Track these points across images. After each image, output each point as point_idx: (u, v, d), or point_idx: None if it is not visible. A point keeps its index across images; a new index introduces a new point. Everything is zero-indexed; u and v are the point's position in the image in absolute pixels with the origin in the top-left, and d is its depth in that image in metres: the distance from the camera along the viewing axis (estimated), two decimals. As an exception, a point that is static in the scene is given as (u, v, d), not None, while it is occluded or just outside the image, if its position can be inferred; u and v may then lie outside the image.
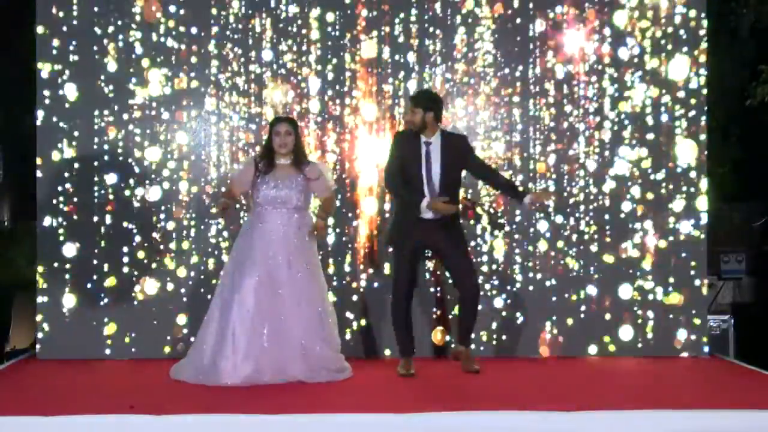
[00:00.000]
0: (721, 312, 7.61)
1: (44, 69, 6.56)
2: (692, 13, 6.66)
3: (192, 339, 6.17)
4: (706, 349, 6.71)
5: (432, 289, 6.67)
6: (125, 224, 6.59)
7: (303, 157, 5.92)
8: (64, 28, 6.57)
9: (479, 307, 6.03)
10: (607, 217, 6.71)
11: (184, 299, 6.59)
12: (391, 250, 6.19)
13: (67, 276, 6.56)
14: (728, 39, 8.12)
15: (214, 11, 6.62)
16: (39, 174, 6.59)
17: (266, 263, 5.70)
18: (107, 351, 6.55)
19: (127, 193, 6.60)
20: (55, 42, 6.56)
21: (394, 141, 6.09)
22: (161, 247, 6.60)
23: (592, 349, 6.68)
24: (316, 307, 5.78)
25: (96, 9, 6.58)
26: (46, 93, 6.57)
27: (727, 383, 5.83)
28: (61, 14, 6.56)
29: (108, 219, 6.59)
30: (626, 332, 6.69)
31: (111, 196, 6.59)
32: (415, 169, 5.90)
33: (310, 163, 5.97)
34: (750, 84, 7.59)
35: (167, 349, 6.55)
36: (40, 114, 6.58)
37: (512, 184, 6.16)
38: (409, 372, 5.91)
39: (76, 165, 6.58)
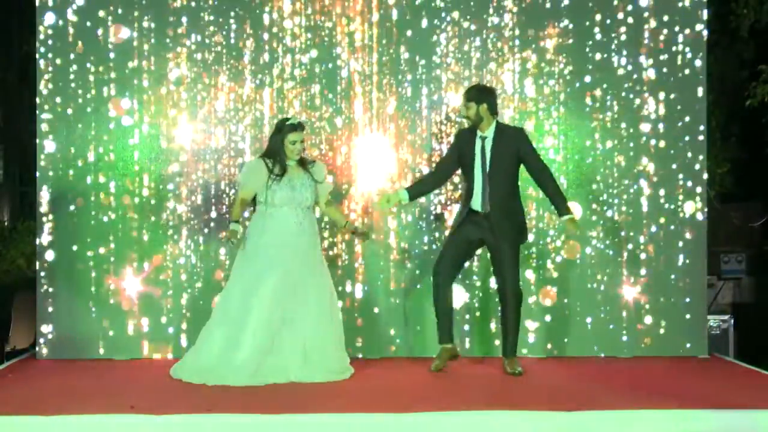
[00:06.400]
0: (721, 312, 7.61)
1: (44, 68, 6.56)
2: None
3: (183, 340, 6.20)
4: (706, 349, 6.72)
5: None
6: (126, 224, 6.59)
7: (307, 157, 6.00)
8: (65, 27, 6.56)
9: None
10: (606, 216, 6.71)
11: (184, 300, 6.61)
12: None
13: (67, 276, 6.55)
14: (728, 39, 8.11)
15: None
16: (39, 174, 6.59)
17: (284, 264, 5.71)
18: (107, 351, 6.55)
19: (127, 193, 6.60)
20: (56, 41, 6.55)
21: (454, 138, 6.21)
22: (164, 248, 6.60)
23: (592, 349, 6.68)
24: (329, 305, 5.84)
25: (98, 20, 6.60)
26: (46, 93, 6.56)
27: (727, 383, 5.83)
28: (61, 15, 6.55)
29: (109, 219, 6.59)
30: (626, 332, 6.70)
31: (111, 197, 6.59)
32: (469, 164, 5.95)
33: (315, 162, 6.02)
34: (750, 84, 7.59)
35: (167, 349, 6.55)
36: (40, 114, 6.58)
37: (559, 196, 5.95)
38: (439, 367, 5.95)
39: (76, 164, 6.57)
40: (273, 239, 5.77)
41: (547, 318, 6.69)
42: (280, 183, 5.79)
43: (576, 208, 6.50)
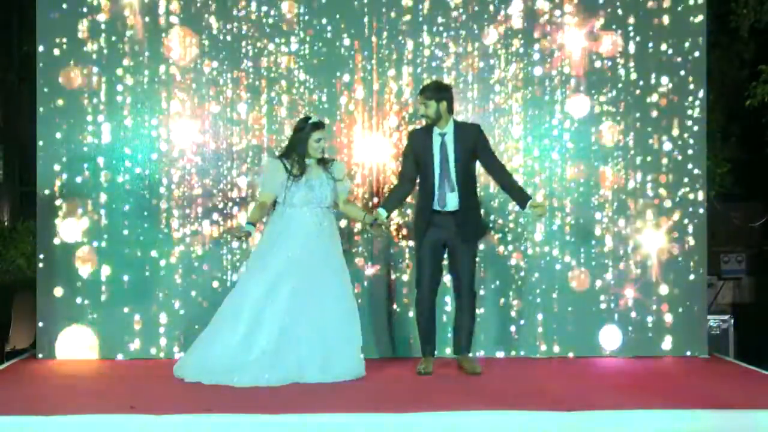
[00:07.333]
0: (721, 312, 7.61)
1: (44, 68, 6.56)
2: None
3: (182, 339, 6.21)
4: (706, 349, 6.72)
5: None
6: (125, 224, 6.59)
7: (326, 156, 5.97)
8: (65, 26, 6.56)
9: (477, 312, 6.08)
10: (607, 216, 6.72)
11: (184, 300, 6.60)
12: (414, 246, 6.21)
13: (67, 276, 6.55)
14: (728, 39, 8.11)
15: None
16: (39, 173, 6.59)
17: (303, 266, 5.68)
18: (107, 351, 6.55)
19: (127, 193, 6.60)
20: (55, 40, 6.56)
21: (407, 139, 6.13)
22: (163, 248, 6.60)
23: (593, 349, 6.69)
24: (348, 305, 5.81)
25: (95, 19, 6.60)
26: (46, 92, 6.56)
27: (727, 383, 5.84)
28: (60, 14, 6.56)
29: (109, 219, 6.59)
30: (626, 332, 6.69)
31: (111, 196, 6.59)
32: (429, 162, 5.90)
33: (334, 161, 6.00)
34: (750, 84, 7.58)
35: (167, 349, 6.56)
36: (40, 113, 6.58)
37: (518, 187, 6.02)
38: (427, 370, 5.93)
39: (76, 164, 6.58)
40: (292, 241, 5.73)
41: (547, 318, 6.70)
42: (298, 183, 5.77)
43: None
